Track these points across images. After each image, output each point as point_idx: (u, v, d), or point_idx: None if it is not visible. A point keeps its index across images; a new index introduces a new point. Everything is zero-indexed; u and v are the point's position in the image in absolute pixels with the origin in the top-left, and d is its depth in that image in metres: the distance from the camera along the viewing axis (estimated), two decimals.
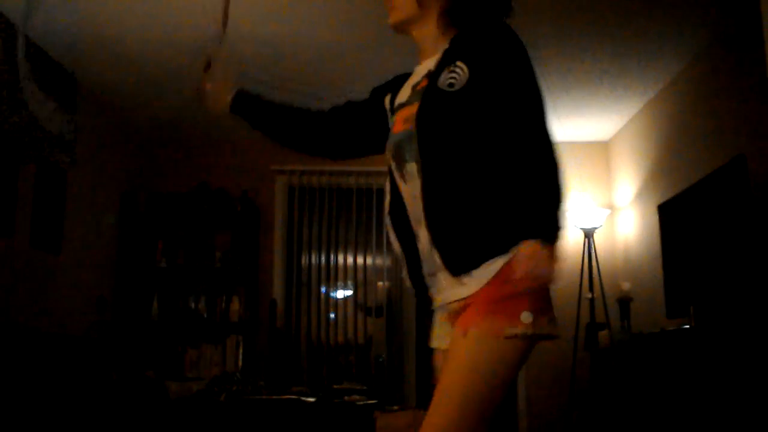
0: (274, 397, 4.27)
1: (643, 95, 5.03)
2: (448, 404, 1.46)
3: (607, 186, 5.88)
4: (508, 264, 1.48)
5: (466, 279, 1.52)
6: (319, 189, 5.94)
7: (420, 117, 1.58)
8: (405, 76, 1.78)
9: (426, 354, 1.88)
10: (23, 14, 3.46)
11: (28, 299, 4.16)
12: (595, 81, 4.80)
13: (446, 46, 1.65)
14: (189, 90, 5.43)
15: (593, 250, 5.38)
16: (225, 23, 1.93)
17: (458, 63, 1.57)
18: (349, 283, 5.92)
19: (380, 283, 5.93)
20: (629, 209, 5.47)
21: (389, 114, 1.76)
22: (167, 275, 5.66)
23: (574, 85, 4.85)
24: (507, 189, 1.51)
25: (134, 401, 4.19)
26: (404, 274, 1.71)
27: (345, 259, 5.92)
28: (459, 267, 1.53)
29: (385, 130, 1.73)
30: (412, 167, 1.61)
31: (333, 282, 5.92)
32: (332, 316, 5.88)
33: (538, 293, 1.50)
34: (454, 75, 1.56)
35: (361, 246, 5.93)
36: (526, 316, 1.47)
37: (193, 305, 5.62)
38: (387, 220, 1.73)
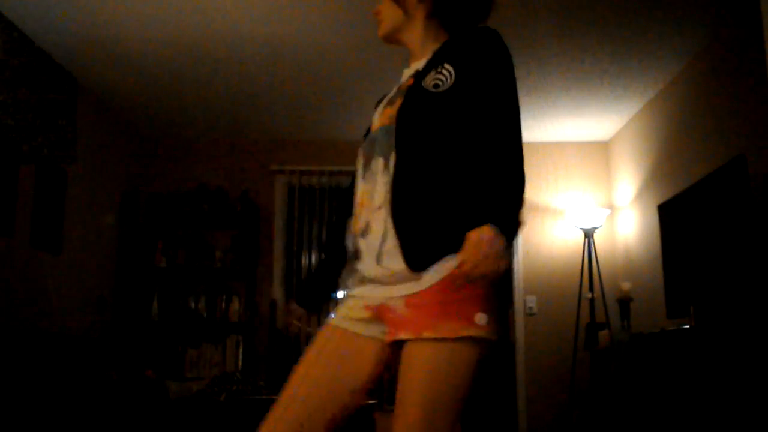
0: (274, 397, 4.27)
1: (643, 95, 5.03)
2: (414, 415, 1.45)
3: (607, 186, 5.89)
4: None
5: (422, 273, 1.50)
6: (319, 189, 5.94)
7: (401, 112, 1.59)
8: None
9: None
10: None
11: (28, 299, 4.17)
12: (595, 81, 4.80)
13: (436, 47, 1.68)
14: (189, 90, 5.46)
15: (593, 250, 5.38)
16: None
17: (446, 65, 1.59)
18: None
19: None
20: (629, 209, 5.48)
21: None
22: (167, 275, 5.67)
23: (574, 85, 4.86)
24: (473, 189, 1.52)
25: (134, 401, 4.19)
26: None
27: None
28: (419, 260, 1.50)
29: None
30: (377, 163, 1.61)
31: None
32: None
33: (489, 293, 1.49)
34: (440, 77, 1.58)
35: None
36: (480, 318, 1.46)
37: (193, 305, 5.63)
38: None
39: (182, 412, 4.25)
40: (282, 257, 5.88)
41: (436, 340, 1.46)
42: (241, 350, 5.51)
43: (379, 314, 1.58)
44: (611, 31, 4.10)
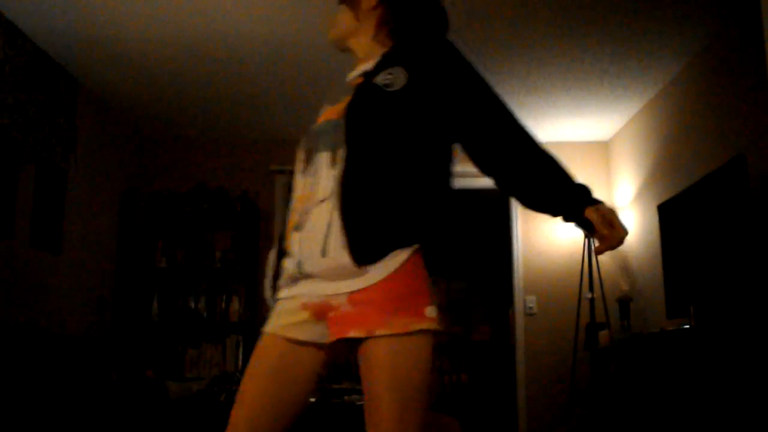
0: None
1: (643, 95, 5.03)
2: (386, 414, 1.45)
3: (607, 186, 5.89)
4: (410, 258, 1.49)
5: (367, 268, 1.49)
6: None
7: (351, 107, 1.59)
8: None
9: None
10: None
11: (28, 299, 4.17)
12: (595, 81, 4.80)
13: (385, 51, 1.69)
14: (189, 90, 5.46)
15: (593, 250, 5.38)
16: None
17: (397, 68, 1.60)
18: None
19: None
20: (629, 209, 5.47)
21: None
22: (167, 275, 5.66)
23: (574, 85, 4.86)
24: (420, 187, 1.54)
25: (134, 401, 4.19)
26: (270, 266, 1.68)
27: None
28: (365, 254, 1.49)
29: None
30: (321, 157, 1.60)
31: None
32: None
33: (431, 286, 1.52)
34: (391, 77, 1.58)
35: None
36: (430, 311, 1.49)
37: (193, 305, 5.62)
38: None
39: (182, 412, 4.25)
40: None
41: (390, 336, 1.46)
42: (241, 350, 5.51)
43: (318, 313, 1.56)
44: (611, 31, 4.10)
